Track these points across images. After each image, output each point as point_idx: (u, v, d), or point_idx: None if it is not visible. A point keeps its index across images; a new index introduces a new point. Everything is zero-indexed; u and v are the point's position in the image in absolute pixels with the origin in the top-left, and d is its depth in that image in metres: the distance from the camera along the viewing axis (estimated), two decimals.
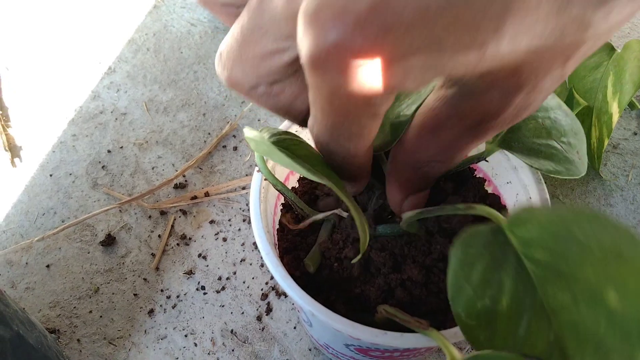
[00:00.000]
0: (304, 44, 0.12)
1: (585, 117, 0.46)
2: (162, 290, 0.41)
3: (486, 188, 0.31)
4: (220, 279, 0.42)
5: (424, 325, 0.20)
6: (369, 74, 0.12)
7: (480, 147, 0.28)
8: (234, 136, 0.50)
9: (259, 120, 0.52)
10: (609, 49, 0.48)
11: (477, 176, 0.32)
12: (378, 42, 0.11)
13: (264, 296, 0.41)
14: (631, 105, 0.50)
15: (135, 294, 0.41)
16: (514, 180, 0.29)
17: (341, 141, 0.16)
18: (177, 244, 0.44)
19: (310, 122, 0.16)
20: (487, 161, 0.27)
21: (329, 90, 0.13)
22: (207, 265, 0.43)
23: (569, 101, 0.48)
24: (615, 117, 0.44)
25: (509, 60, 0.13)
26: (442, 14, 0.11)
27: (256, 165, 0.24)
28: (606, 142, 0.45)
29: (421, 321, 0.20)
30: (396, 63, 0.12)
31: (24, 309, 0.34)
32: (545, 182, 0.26)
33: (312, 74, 0.13)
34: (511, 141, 0.26)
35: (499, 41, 0.12)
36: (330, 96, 0.13)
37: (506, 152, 0.28)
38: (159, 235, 0.44)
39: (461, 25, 0.11)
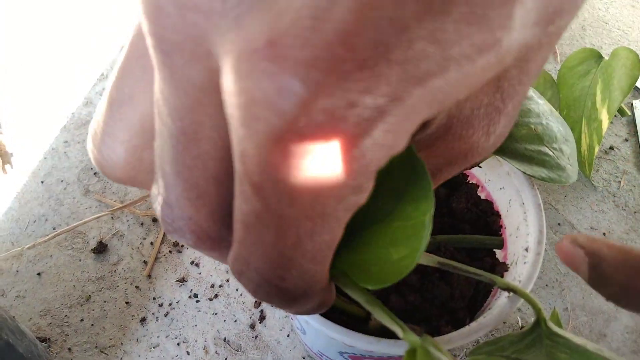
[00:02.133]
0: (252, 113, 0.09)
1: (575, 124, 0.47)
2: (154, 298, 0.41)
3: (479, 194, 0.31)
4: (213, 286, 0.42)
5: (418, 332, 0.20)
6: (355, 150, 0.09)
7: None
8: None
9: None
10: (597, 56, 0.48)
11: (470, 182, 0.32)
12: (382, 71, 0.08)
13: (257, 304, 0.41)
14: (621, 112, 0.51)
15: (127, 302, 0.41)
16: (507, 186, 0.29)
17: (304, 266, 0.11)
18: (170, 252, 0.43)
19: (240, 257, 0.11)
20: (480, 167, 0.27)
21: (304, 179, 0.09)
22: (200, 273, 0.42)
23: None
24: (605, 124, 0.45)
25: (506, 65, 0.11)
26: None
27: None
28: (597, 149, 0.45)
29: (415, 327, 0.20)
30: (405, 99, 0.09)
31: (14, 317, 0.33)
32: (538, 188, 0.26)
33: (275, 160, 0.09)
34: (504, 147, 0.27)
35: (511, 32, 0.09)
36: (304, 189, 0.09)
37: (499, 158, 0.28)
38: (151, 243, 0.44)
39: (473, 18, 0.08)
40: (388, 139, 0.09)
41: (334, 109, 0.08)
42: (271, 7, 0.08)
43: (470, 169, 0.15)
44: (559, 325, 0.22)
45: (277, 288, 0.12)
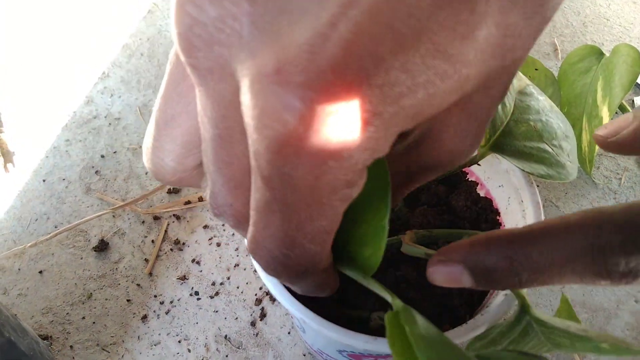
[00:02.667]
0: (263, 122, 0.11)
1: (576, 121, 0.47)
2: (155, 296, 0.41)
3: (478, 191, 0.31)
4: (214, 284, 0.42)
5: None
6: (358, 133, 0.11)
7: None
8: None
9: None
10: (598, 53, 0.48)
11: (469, 180, 0.32)
12: (364, 93, 0.10)
13: (258, 301, 0.41)
14: (622, 108, 0.51)
15: (128, 300, 0.41)
16: (506, 184, 0.29)
17: (305, 245, 0.14)
18: (171, 249, 0.44)
19: (254, 238, 0.14)
20: (479, 165, 0.27)
21: (304, 174, 0.11)
22: (201, 271, 0.42)
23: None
24: (606, 121, 0.44)
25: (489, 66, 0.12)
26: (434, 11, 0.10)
27: None
28: (597, 146, 0.45)
29: None
30: (394, 100, 0.11)
31: (15, 315, 0.34)
32: (538, 186, 0.26)
33: (281, 159, 0.11)
34: (503, 145, 0.27)
35: (469, 65, 0.11)
36: (304, 182, 0.12)
37: (498, 155, 0.28)
38: (153, 241, 0.44)
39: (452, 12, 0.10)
40: (371, 144, 0.11)
41: (325, 119, 0.11)
42: (278, 42, 0.10)
43: (441, 173, 0.17)
44: (573, 315, 0.22)
45: (283, 265, 0.14)
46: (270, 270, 0.15)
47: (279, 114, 0.11)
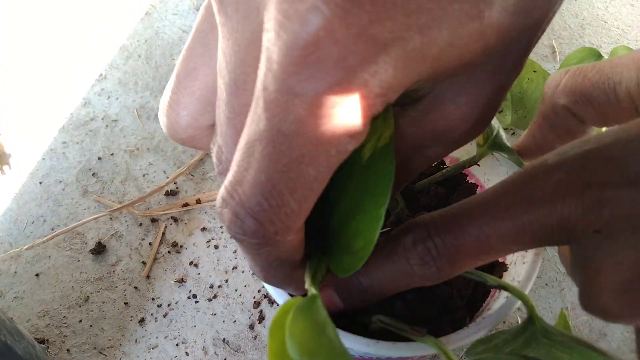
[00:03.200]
0: (284, 24, 0.10)
1: None
2: (153, 299, 0.41)
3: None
4: (212, 287, 0.41)
5: (422, 333, 0.20)
6: (364, 74, 0.11)
7: (471, 151, 0.28)
8: None
9: None
10: (596, 55, 0.48)
11: (469, 182, 0.32)
12: (388, 10, 0.10)
13: (257, 304, 0.40)
14: None
15: (125, 303, 0.41)
16: None
17: (284, 196, 0.12)
18: (168, 252, 0.43)
19: (229, 183, 0.13)
20: (478, 165, 0.27)
21: (313, 98, 0.11)
22: (199, 273, 0.42)
23: None
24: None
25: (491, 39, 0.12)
26: None
27: None
28: (621, 125, 0.45)
29: (418, 329, 0.20)
30: (400, 48, 0.11)
31: (12, 318, 0.33)
32: None
33: (294, 70, 0.11)
34: (502, 144, 0.27)
35: (492, 9, 0.11)
36: (310, 109, 0.11)
37: (498, 157, 0.28)
38: (150, 243, 0.44)
39: None
40: (388, 75, 0.11)
41: (349, 28, 0.10)
42: None
43: (452, 151, 0.16)
44: (567, 327, 0.22)
45: (253, 219, 0.13)
46: (235, 226, 0.13)
47: (303, 15, 0.10)
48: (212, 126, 0.15)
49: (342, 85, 0.11)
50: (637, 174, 0.14)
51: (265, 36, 0.11)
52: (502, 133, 0.27)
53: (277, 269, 0.15)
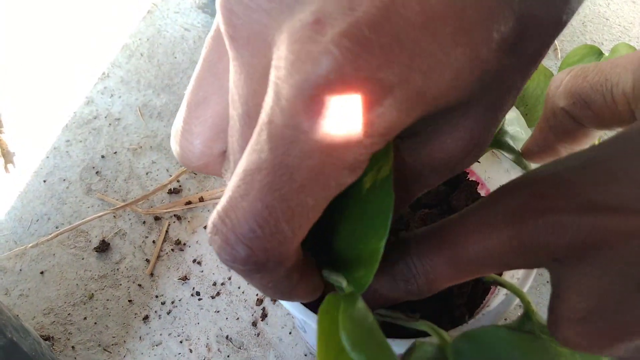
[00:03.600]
0: (296, 65, 0.11)
1: None
2: (156, 296, 0.41)
3: (479, 191, 0.31)
4: (215, 284, 0.42)
5: (415, 318, 0.20)
6: (370, 115, 0.11)
7: None
8: None
9: None
10: (598, 53, 0.48)
11: (470, 179, 0.32)
12: (396, 55, 0.11)
13: (259, 301, 0.41)
14: None
15: (129, 300, 0.41)
16: None
17: (279, 224, 0.12)
18: (172, 250, 0.44)
19: (224, 208, 0.13)
20: (479, 162, 0.27)
21: (320, 132, 0.11)
22: (202, 271, 0.43)
23: None
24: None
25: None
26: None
27: None
28: (597, 144, 0.45)
29: (411, 315, 0.20)
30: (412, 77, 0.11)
31: (17, 316, 0.34)
32: None
33: (303, 107, 0.11)
34: (503, 142, 0.27)
35: (489, 50, 0.12)
36: (316, 143, 0.11)
37: (499, 155, 0.28)
38: (154, 241, 0.44)
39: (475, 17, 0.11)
40: (392, 116, 0.11)
41: (359, 71, 0.11)
42: (317, 0, 0.11)
43: (448, 177, 0.17)
44: None
45: (245, 246, 0.12)
46: (226, 253, 0.13)
47: (315, 56, 0.11)
48: (224, 153, 0.15)
49: (348, 125, 0.11)
50: (591, 201, 0.14)
51: (274, 72, 0.11)
52: (508, 129, 0.27)
53: (274, 289, 0.15)
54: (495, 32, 0.12)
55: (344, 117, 0.11)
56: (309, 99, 0.11)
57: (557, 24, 0.13)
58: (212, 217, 0.13)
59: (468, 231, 0.16)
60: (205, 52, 0.15)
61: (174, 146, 0.16)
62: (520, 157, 0.26)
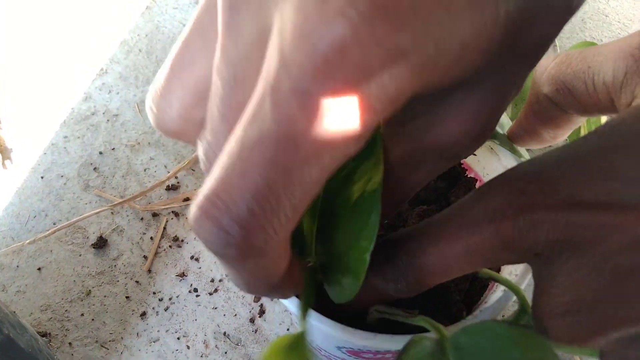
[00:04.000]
0: (304, 32, 0.10)
1: None
2: (154, 293, 0.41)
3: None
4: (212, 281, 0.42)
5: (413, 314, 0.20)
6: (384, 77, 0.11)
7: None
8: None
9: None
10: None
11: (468, 176, 0.32)
12: (407, 28, 0.10)
13: (257, 298, 0.41)
14: None
15: (127, 297, 0.41)
16: None
17: (280, 199, 0.11)
18: (170, 246, 0.44)
19: (214, 191, 0.12)
20: (475, 155, 0.27)
21: (330, 101, 0.11)
22: (200, 268, 0.42)
23: None
24: (604, 117, 0.44)
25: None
26: None
27: None
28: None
29: (409, 311, 0.20)
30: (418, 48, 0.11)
31: (14, 312, 0.34)
32: None
33: (315, 74, 0.10)
34: (502, 137, 0.27)
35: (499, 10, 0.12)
36: (325, 112, 0.11)
37: (497, 151, 0.28)
38: (151, 238, 0.44)
39: None
40: (404, 80, 0.11)
41: (375, 34, 0.10)
42: None
43: (450, 165, 0.17)
44: None
45: (239, 228, 0.12)
46: (218, 238, 0.12)
47: (329, 19, 0.10)
48: (202, 121, 0.14)
49: (360, 87, 0.11)
50: (570, 196, 0.14)
51: (278, 36, 0.11)
52: (506, 120, 0.27)
53: (262, 281, 0.14)
54: (502, 9, 0.12)
55: (358, 82, 0.10)
56: (323, 63, 0.10)
57: (567, 9, 0.13)
58: (198, 201, 0.12)
59: (453, 229, 0.16)
60: (198, 13, 0.14)
61: (150, 106, 0.15)
62: (506, 139, 0.26)
